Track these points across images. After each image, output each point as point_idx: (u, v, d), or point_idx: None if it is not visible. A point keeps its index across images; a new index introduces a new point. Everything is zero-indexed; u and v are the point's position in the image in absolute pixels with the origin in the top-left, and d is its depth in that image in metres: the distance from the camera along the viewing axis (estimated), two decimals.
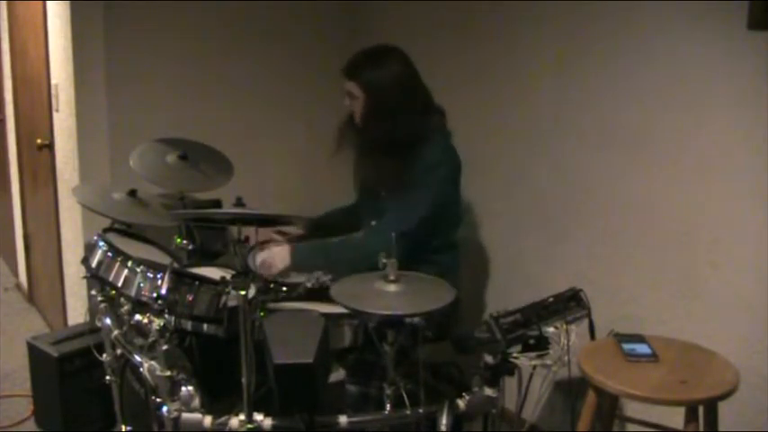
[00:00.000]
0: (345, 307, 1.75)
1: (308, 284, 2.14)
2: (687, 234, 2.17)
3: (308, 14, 3.32)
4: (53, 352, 2.58)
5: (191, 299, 1.85)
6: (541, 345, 1.81)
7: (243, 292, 1.67)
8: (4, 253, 4.91)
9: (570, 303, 1.93)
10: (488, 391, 1.81)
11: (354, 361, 2.06)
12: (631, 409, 2.26)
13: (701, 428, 1.81)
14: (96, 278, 2.05)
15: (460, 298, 1.94)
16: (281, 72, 3.30)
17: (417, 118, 2.28)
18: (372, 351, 1.82)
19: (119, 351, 2.11)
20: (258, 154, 3.21)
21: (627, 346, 1.92)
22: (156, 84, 3.00)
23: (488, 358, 1.80)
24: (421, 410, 1.78)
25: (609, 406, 2.02)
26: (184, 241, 2.37)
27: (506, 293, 2.78)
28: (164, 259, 2.14)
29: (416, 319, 1.89)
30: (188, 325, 1.85)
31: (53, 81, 3.18)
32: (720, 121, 2.05)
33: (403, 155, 2.25)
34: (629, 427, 2.30)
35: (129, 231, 2.30)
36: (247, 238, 1.72)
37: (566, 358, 1.80)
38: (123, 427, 2.29)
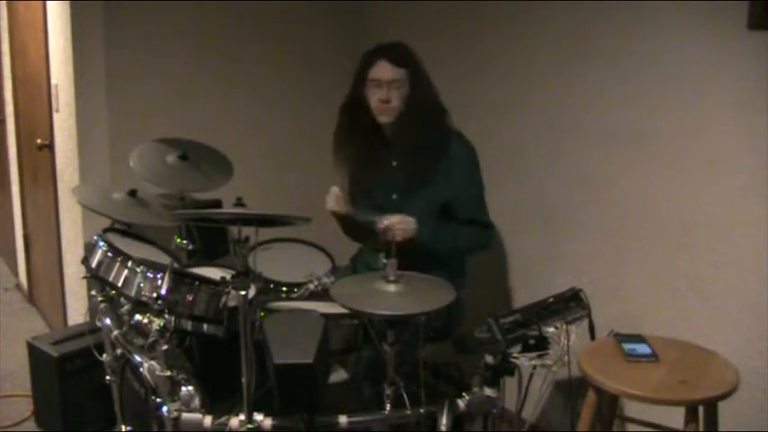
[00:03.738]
0: (345, 307, 1.75)
1: (312, 287, 2.15)
2: (688, 234, 2.16)
3: (308, 14, 3.32)
4: (53, 352, 2.58)
5: (191, 299, 1.85)
6: (541, 345, 1.81)
7: (243, 292, 1.67)
8: (4, 253, 4.90)
9: (570, 303, 1.93)
10: (488, 391, 1.81)
11: (359, 360, 2.06)
12: (631, 409, 2.26)
13: (701, 428, 1.81)
14: (96, 278, 2.05)
15: (461, 298, 1.94)
16: (281, 72, 3.29)
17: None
18: (374, 351, 1.83)
19: (119, 351, 2.11)
20: (258, 154, 3.21)
21: (627, 346, 1.92)
22: (156, 84, 3.00)
23: (488, 358, 1.80)
24: (421, 410, 1.78)
25: (609, 406, 2.02)
26: (184, 241, 2.37)
27: (506, 293, 2.78)
28: (164, 259, 2.14)
29: (422, 318, 1.90)
30: (188, 325, 1.86)
31: (53, 81, 3.18)
32: (721, 120, 2.05)
33: (443, 151, 2.25)
34: (629, 427, 2.30)
35: (129, 231, 2.30)
36: (247, 238, 1.72)
37: (566, 358, 1.80)
38: (123, 427, 2.29)
